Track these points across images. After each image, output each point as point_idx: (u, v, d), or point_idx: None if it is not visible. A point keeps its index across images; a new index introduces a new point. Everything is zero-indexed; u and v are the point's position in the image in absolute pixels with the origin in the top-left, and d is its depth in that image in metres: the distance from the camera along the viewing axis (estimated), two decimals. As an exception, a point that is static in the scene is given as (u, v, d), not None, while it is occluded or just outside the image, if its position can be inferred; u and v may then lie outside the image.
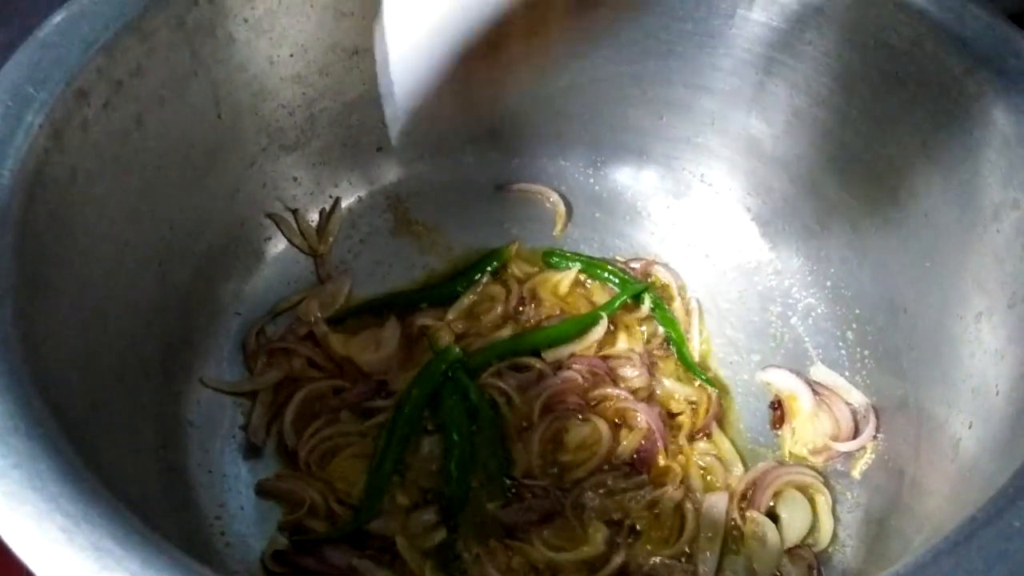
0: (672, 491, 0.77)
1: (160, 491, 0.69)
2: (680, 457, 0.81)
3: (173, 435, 0.75)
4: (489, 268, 0.93)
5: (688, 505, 0.77)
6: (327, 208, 0.94)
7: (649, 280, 0.93)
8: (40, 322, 0.54)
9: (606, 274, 0.93)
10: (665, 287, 0.93)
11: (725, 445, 0.82)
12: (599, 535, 0.74)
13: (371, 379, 0.82)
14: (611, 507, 0.76)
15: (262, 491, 0.76)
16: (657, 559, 0.75)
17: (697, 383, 0.86)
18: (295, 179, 0.90)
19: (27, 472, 0.44)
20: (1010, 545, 0.44)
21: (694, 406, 0.85)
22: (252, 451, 0.79)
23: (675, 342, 0.88)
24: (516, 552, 0.74)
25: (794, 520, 0.77)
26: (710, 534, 0.76)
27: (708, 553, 0.75)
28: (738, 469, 0.81)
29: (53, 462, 0.44)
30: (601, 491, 0.77)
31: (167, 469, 0.73)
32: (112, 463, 0.61)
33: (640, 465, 0.80)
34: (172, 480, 0.72)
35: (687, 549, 0.75)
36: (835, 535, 0.77)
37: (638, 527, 0.76)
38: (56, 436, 0.46)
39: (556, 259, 0.94)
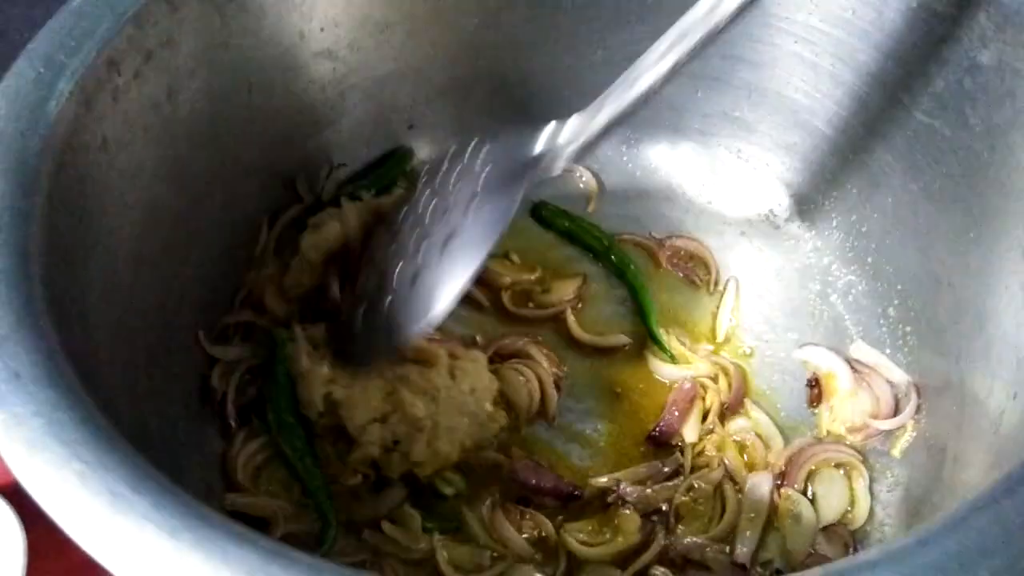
0: (710, 473, 0.76)
1: (188, 454, 0.70)
2: (714, 437, 0.80)
3: (202, 399, 0.76)
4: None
5: (727, 486, 0.76)
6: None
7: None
8: (67, 282, 0.55)
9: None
10: (702, 261, 0.92)
11: (763, 419, 0.81)
12: (632, 524, 0.73)
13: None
14: (651, 497, 0.74)
15: (234, 514, 0.71)
16: (690, 539, 0.73)
17: (711, 360, 0.84)
18: (326, 154, 0.90)
19: (47, 420, 0.44)
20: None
21: (715, 380, 0.82)
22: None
23: (644, 311, 0.87)
24: (531, 517, 0.73)
25: (830, 498, 0.75)
26: (752, 515, 0.74)
27: (748, 533, 0.73)
28: (778, 444, 0.79)
29: (73, 411, 0.45)
30: (640, 484, 0.75)
31: (195, 432, 0.73)
32: (139, 426, 0.62)
33: (662, 439, 0.78)
34: (199, 443, 0.73)
35: (728, 531, 0.74)
36: (873, 514, 0.75)
37: (680, 512, 0.75)
38: (76, 387, 0.46)
39: (546, 213, 0.94)
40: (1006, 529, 0.40)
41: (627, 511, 0.73)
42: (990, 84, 0.70)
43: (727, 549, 0.72)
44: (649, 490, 0.74)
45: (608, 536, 0.73)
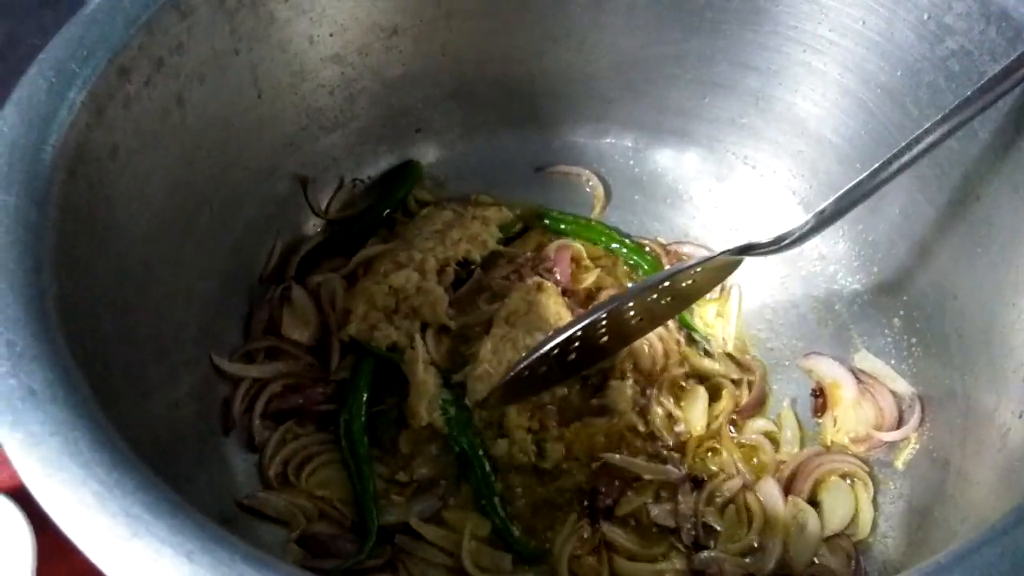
0: (728, 481, 0.77)
1: (197, 463, 0.70)
2: (721, 441, 0.80)
3: (211, 406, 0.77)
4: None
5: (751, 497, 0.76)
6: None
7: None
8: (79, 294, 0.55)
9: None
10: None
11: (790, 421, 0.81)
12: (677, 563, 0.74)
13: (317, 382, 0.81)
14: (685, 513, 0.75)
15: (244, 508, 0.73)
16: (707, 554, 0.74)
17: (737, 359, 0.85)
18: (334, 159, 0.90)
19: (64, 439, 0.44)
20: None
21: (736, 384, 0.83)
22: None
23: None
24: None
25: (836, 508, 0.75)
26: (773, 526, 0.75)
27: (772, 544, 0.74)
28: (792, 448, 0.80)
29: (88, 430, 0.45)
30: (666, 503, 0.76)
31: (206, 440, 0.74)
32: (150, 434, 0.62)
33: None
34: (210, 452, 0.73)
35: (755, 543, 0.74)
36: (875, 525, 0.75)
37: (711, 523, 0.75)
38: (92, 405, 0.47)
39: (549, 219, 0.94)
40: (1016, 563, 0.40)
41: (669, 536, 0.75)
42: (1003, 103, 0.69)
43: (744, 561, 0.72)
44: (679, 506, 0.75)
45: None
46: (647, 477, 0.76)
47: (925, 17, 0.73)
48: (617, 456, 0.77)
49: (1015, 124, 0.68)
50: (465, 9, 0.85)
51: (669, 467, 0.77)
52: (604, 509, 0.75)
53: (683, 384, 0.83)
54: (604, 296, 0.88)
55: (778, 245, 0.75)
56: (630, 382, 0.81)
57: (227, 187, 0.77)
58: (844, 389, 0.82)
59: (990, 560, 0.41)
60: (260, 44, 0.75)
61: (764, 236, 0.91)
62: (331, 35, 0.81)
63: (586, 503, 0.76)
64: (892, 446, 0.79)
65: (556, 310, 0.84)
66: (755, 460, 0.79)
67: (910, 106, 0.78)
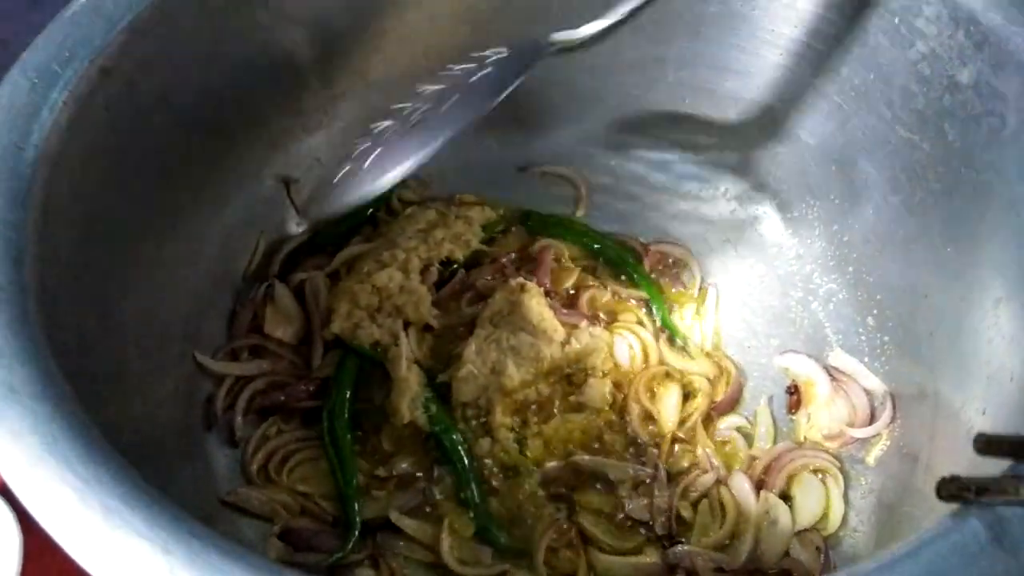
0: (702, 476, 0.78)
1: (180, 459, 0.71)
2: (695, 439, 0.81)
3: (195, 404, 0.78)
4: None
5: (724, 492, 0.77)
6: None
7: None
8: (61, 292, 0.56)
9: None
10: (686, 266, 0.93)
11: (764, 418, 0.83)
12: (652, 556, 0.75)
13: (301, 380, 0.82)
14: (656, 508, 0.76)
15: (226, 504, 0.74)
16: (681, 548, 0.74)
17: (714, 359, 0.86)
18: (317, 159, 0.91)
19: (43, 435, 0.45)
20: (1007, 528, 0.43)
21: (711, 382, 0.85)
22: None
23: (653, 299, 0.89)
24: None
25: (807, 503, 0.76)
26: (745, 521, 0.76)
27: (743, 539, 0.75)
28: (766, 444, 0.81)
29: (67, 425, 0.46)
30: (641, 497, 0.77)
31: (189, 437, 0.75)
32: (133, 430, 0.63)
33: None
34: (193, 449, 0.74)
35: (727, 537, 0.76)
36: (846, 520, 0.76)
37: (683, 516, 0.76)
38: (71, 401, 0.48)
39: (533, 222, 0.95)
40: (964, 556, 0.42)
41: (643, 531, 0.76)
42: (968, 102, 0.71)
43: (716, 555, 0.74)
44: (655, 499, 0.76)
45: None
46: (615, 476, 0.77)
47: (896, 21, 0.75)
48: (586, 457, 0.78)
49: (982, 129, 0.69)
50: (448, 12, 0.86)
51: (636, 467, 0.78)
52: (565, 498, 0.77)
53: (660, 382, 0.84)
54: (585, 297, 0.89)
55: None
56: (608, 380, 0.82)
57: (211, 188, 0.78)
58: (818, 386, 0.83)
59: (942, 552, 0.42)
60: (243, 45, 0.76)
61: (740, 236, 0.94)
62: (315, 36, 0.81)
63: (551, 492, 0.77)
64: (864, 442, 0.80)
65: (539, 311, 0.85)
66: (726, 454, 0.81)
67: (883, 108, 0.79)
